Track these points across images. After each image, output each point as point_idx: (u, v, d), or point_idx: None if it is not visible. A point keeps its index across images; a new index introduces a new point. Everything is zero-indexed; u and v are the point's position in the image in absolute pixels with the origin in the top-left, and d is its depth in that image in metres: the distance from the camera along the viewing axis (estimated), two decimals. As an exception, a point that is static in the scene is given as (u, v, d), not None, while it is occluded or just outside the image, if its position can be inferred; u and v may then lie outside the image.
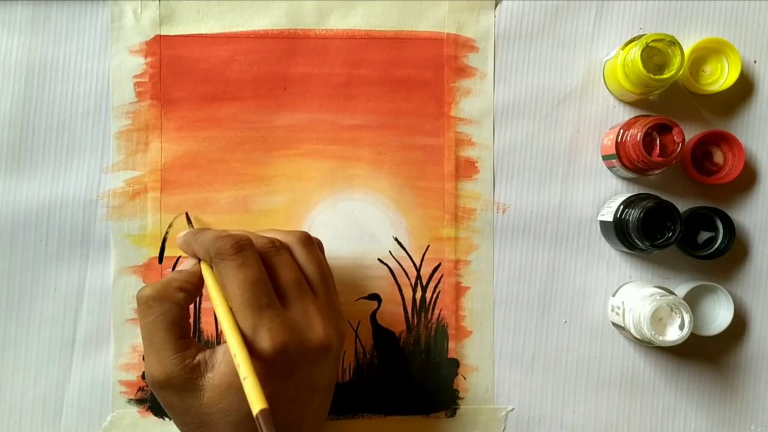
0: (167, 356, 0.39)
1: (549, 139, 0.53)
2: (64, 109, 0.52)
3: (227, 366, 0.39)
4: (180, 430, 0.41)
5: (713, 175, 0.52)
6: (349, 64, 0.53)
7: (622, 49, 0.50)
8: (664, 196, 0.50)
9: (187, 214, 0.52)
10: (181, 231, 0.48)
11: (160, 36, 0.52)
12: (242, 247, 0.40)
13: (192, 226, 0.51)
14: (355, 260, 0.52)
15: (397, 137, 0.53)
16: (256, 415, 0.35)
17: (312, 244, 0.44)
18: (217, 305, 0.40)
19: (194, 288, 0.43)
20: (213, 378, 0.39)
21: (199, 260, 0.44)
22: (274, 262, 0.42)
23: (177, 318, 0.40)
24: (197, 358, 0.40)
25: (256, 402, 0.35)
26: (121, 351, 0.52)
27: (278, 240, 0.43)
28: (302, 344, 0.40)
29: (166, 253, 0.52)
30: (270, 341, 0.38)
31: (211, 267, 0.42)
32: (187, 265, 0.44)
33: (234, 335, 0.38)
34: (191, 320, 0.50)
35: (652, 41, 0.47)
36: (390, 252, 0.53)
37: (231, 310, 0.39)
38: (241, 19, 0.52)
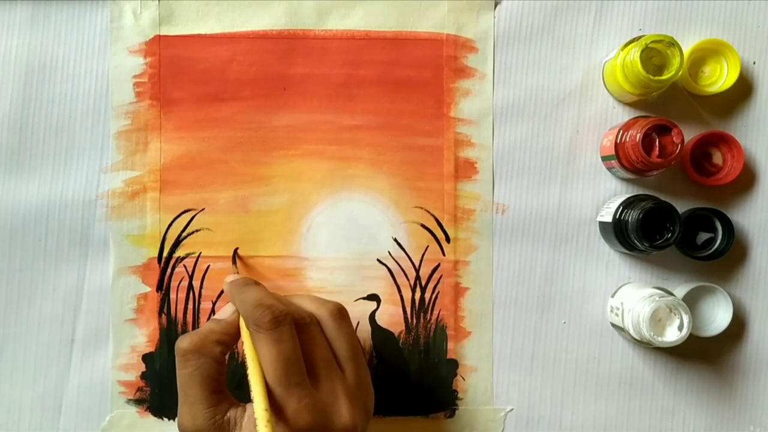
0: (199, 410, 0.40)
1: (548, 140, 0.53)
2: (63, 109, 0.52)
3: (255, 427, 0.39)
4: None
5: (712, 176, 0.52)
6: (349, 65, 0.53)
7: (622, 50, 0.50)
8: (663, 197, 0.50)
9: (235, 251, 0.52)
10: (225, 268, 0.50)
11: (160, 36, 0.52)
12: (279, 322, 0.40)
13: (236, 267, 0.51)
14: (354, 260, 0.52)
15: (397, 138, 0.53)
16: None
17: (344, 318, 0.44)
18: (252, 372, 0.40)
19: (231, 340, 0.43)
20: None
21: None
22: (306, 337, 0.42)
23: (213, 373, 0.41)
24: (228, 414, 0.40)
25: None
26: (119, 351, 0.52)
27: (312, 314, 0.43)
28: (326, 428, 0.40)
29: (164, 254, 0.52)
30: (294, 423, 0.39)
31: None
32: (226, 311, 0.44)
33: (260, 400, 0.38)
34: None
35: (651, 42, 0.48)
36: (389, 252, 0.53)
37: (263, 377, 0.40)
38: (241, 20, 0.52)
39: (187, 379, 0.41)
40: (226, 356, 0.43)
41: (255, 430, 0.38)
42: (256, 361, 0.40)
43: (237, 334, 0.43)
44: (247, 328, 0.42)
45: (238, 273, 0.51)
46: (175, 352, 0.42)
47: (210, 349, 0.41)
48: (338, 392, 0.41)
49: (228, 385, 0.43)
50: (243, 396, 0.42)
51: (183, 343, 0.42)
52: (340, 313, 0.44)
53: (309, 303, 0.44)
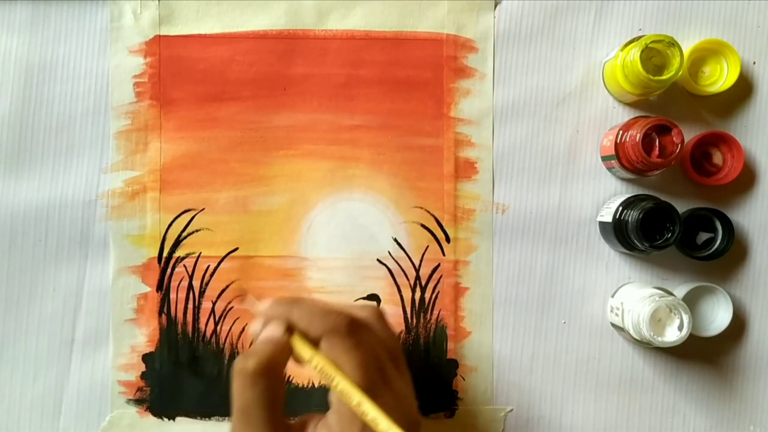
0: None
1: (548, 140, 0.53)
2: (63, 108, 0.52)
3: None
4: None
5: (712, 176, 0.52)
6: (349, 65, 0.53)
7: (622, 50, 0.50)
8: (663, 197, 0.50)
9: (243, 291, 0.52)
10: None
11: (160, 36, 0.52)
12: (358, 327, 0.39)
13: (251, 297, 0.51)
14: (354, 261, 0.52)
15: (397, 138, 0.53)
16: None
17: (386, 319, 0.44)
18: (335, 375, 0.38)
19: (286, 359, 0.40)
20: None
21: (290, 331, 0.41)
22: (368, 339, 0.40)
23: (280, 395, 0.39)
24: None
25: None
26: (120, 351, 0.52)
27: (359, 318, 0.42)
28: (409, 420, 0.39)
29: (164, 254, 0.52)
30: (403, 413, 0.38)
31: (302, 338, 0.40)
32: (271, 332, 0.41)
33: (367, 401, 0.37)
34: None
35: (651, 42, 0.48)
36: (389, 252, 0.53)
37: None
38: (241, 20, 0.52)
39: (253, 403, 0.38)
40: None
41: None
42: (337, 369, 0.38)
43: (289, 355, 0.41)
44: (308, 343, 0.40)
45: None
46: (238, 373, 0.38)
47: (279, 372, 0.39)
48: (405, 389, 0.41)
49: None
50: None
51: (249, 362, 0.38)
52: (382, 314, 0.44)
53: (352, 309, 0.43)
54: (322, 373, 0.38)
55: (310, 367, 0.39)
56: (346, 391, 0.37)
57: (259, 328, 0.41)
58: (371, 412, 0.36)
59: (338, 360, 0.38)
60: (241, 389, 0.38)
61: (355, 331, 0.39)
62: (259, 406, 0.38)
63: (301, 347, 0.40)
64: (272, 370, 0.39)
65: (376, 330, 0.42)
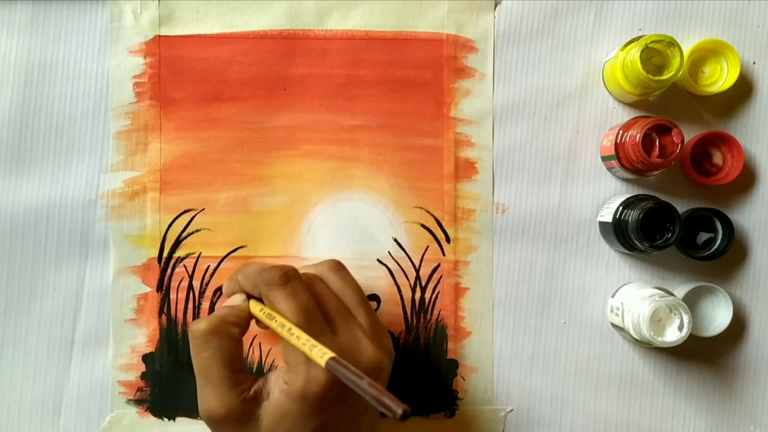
0: (226, 391, 0.40)
1: (548, 140, 0.53)
2: (63, 109, 0.52)
3: (281, 392, 0.40)
4: None
5: (712, 176, 0.52)
6: (349, 65, 0.53)
7: (622, 50, 0.50)
8: (663, 197, 0.50)
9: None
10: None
11: (160, 36, 0.52)
12: (290, 277, 0.41)
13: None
14: (355, 261, 0.52)
15: (397, 138, 0.53)
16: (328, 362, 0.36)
17: (343, 269, 0.45)
18: (283, 326, 0.40)
19: (246, 323, 0.43)
20: (269, 406, 0.40)
21: (248, 297, 0.44)
22: (314, 290, 0.42)
23: (234, 353, 0.41)
24: (253, 389, 0.41)
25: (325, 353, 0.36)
26: (120, 351, 0.52)
27: (312, 273, 0.44)
28: (361, 366, 0.40)
29: (164, 254, 0.52)
30: (324, 369, 0.39)
31: (258, 299, 0.43)
32: (235, 299, 0.44)
33: (306, 335, 0.39)
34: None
35: (651, 42, 0.48)
36: (389, 252, 0.53)
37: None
38: (241, 20, 0.52)
39: (209, 361, 0.41)
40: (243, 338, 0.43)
41: (285, 387, 0.39)
42: (284, 318, 0.40)
43: (249, 318, 0.43)
44: (258, 298, 0.43)
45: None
46: (191, 336, 0.41)
47: (229, 329, 0.42)
48: (358, 334, 0.42)
49: None
50: None
51: (200, 324, 0.41)
52: (339, 265, 0.45)
53: (306, 268, 0.45)
54: (267, 319, 0.41)
55: (261, 320, 0.42)
56: (282, 325, 0.39)
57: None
58: (302, 336, 0.38)
59: (276, 309, 0.41)
60: (195, 351, 0.41)
61: (289, 281, 0.41)
62: (215, 364, 0.40)
63: (253, 306, 0.43)
64: (224, 328, 0.41)
65: (331, 283, 0.44)
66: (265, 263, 0.44)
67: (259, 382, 0.41)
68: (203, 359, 0.41)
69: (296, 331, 0.39)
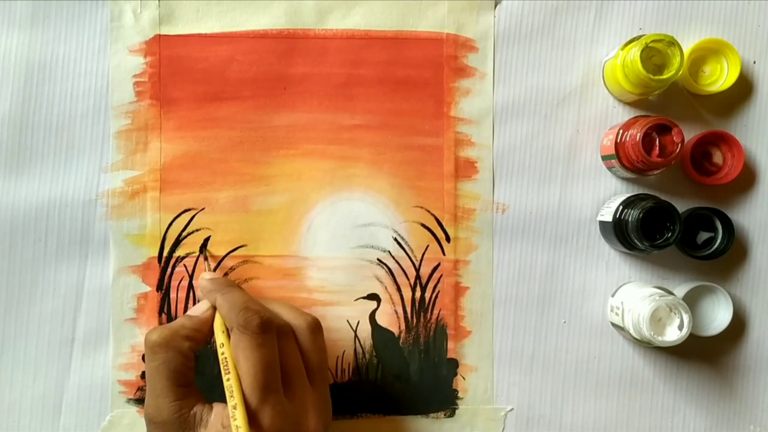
0: (165, 402, 0.41)
1: (548, 140, 0.53)
2: (63, 108, 0.52)
3: (223, 428, 0.40)
4: None
5: (712, 175, 0.52)
6: (349, 64, 0.53)
7: (622, 49, 0.50)
8: (663, 197, 0.50)
9: (205, 244, 0.52)
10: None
11: (160, 36, 0.52)
12: (267, 328, 0.42)
13: (208, 264, 0.51)
14: (354, 260, 0.52)
15: (397, 137, 0.53)
16: None
17: (320, 332, 0.46)
18: (231, 371, 0.41)
19: (202, 337, 0.44)
20: None
21: (215, 309, 0.45)
22: (283, 345, 0.43)
23: (179, 367, 0.42)
24: (194, 410, 0.41)
25: None
26: (120, 351, 0.52)
27: (289, 325, 0.45)
28: None
29: (165, 253, 0.52)
30: (268, 428, 0.40)
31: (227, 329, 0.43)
32: (199, 308, 0.46)
33: (240, 407, 0.39)
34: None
35: (651, 41, 0.48)
36: (389, 252, 0.52)
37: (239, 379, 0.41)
38: (241, 19, 0.52)
39: (154, 371, 0.42)
40: (195, 352, 0.44)
41: (226, 426, 0.39)
42: (234, 366, 0.41)
43: (208, 333, 0.44)
44: (225, 330, 0.43)
45: (212, 270, 0.51)
46: (144, 345, 0.43)
47: (178, 344, 0.43)
48: (308, 403, 0.43)
49: (198, 383, 0.44)
50: (212, 396, 0.43)
51: (152, 336, 0.43)
52: (317, 326, 0.46)
53: (287, 312, 0.46)
54: (222, 363, 0.42)
55: (219, 354, 0.42)
56: (231, 389, 0.40)
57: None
58: (239, 419, 0.39)
59: (238, 356, 0.41)
60: (146, 358, 0.43)
61: (264, 333, 0.41)
62: (159, 375, 0.42)
63: (218, 332, 0.44)
64: (173, 342, 0.42)
65: (301, 340, 0.44)
66: (249, 301, 0.44)
67: (204, 407, 0.42)
68: (150, 368, 0.42)
69: (236, 393, 0.40)
